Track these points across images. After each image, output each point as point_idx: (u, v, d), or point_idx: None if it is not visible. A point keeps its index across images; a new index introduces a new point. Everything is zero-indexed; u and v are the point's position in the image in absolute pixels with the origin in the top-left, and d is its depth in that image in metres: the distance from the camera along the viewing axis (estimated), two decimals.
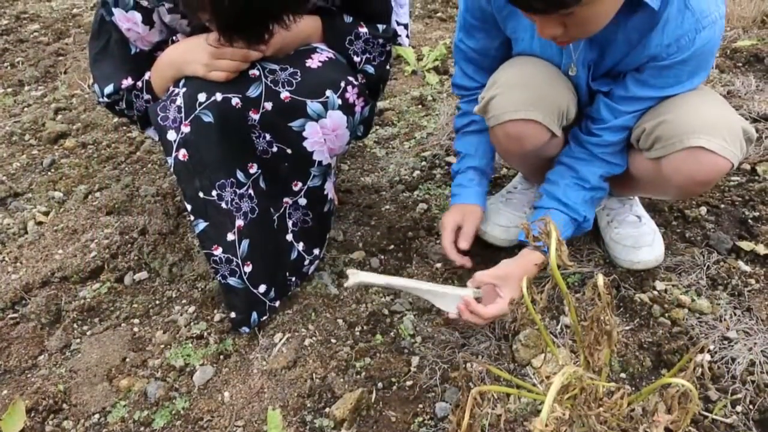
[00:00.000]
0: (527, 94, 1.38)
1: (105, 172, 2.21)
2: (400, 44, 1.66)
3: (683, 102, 1.32)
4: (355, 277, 1.40)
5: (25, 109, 2.71)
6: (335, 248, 1.76)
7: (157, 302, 1.64)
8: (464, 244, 1.55)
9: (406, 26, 1.66)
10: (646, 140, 1.36)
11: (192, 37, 1.45)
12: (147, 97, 1.49)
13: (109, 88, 1.48)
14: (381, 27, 1.57)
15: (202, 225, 1.43)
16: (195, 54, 1.38)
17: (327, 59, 1.47)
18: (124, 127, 2.47)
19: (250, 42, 1.23)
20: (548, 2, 1.04)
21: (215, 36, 1.38)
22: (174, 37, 1.51)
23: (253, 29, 1.18)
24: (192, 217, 1.43)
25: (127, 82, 1.48)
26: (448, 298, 1.39)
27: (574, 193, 1.46)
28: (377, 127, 2.34)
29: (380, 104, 2.46)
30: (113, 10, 1.40)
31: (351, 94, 1.46)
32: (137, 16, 1.40)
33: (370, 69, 1.57)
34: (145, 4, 1.38)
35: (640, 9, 1.23)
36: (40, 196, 2.10)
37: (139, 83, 1.49)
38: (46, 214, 2.02)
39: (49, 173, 2.24)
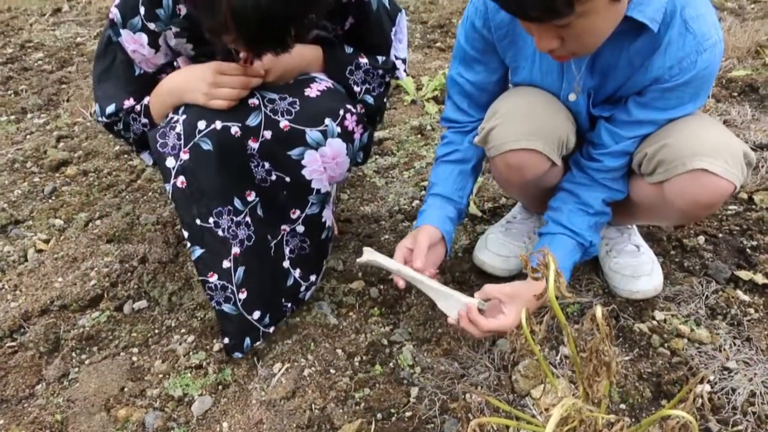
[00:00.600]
0: (527, 124, 1.39)
1: (106, 200, 2.22)
2: (397, 78, 1.68)
3: (684, 126, 1.33)
4: (369, 254, 1.42)
5: (28, 136, 2.73)
6: (335, 278, 1.76)
7: (156, 331, 1.64)
8: (417, 262, 1.42)
9: (404, 61, 1.68)
10: (648, 165, 1.36)
11: (192, 65, 1.47)
12: (144, 120, 1.50)
13: (110, 108, 1.50)
14: (381, 59, 1.60)
15: (198, 252, 1.43)
16: (195, 82, 1.40)
17: (326, 88, 1.49)
18: (126, 155, 2.49)
19: (276, 51, 1.24)
20: (543, 11, 1.05)
21: (217, 65, 1.41)
22: (176, 62, 1.53)
23: (277, 37, 1.19)
24: (189, 244, 1.44)
25: (129, 102, 1.49)
26: (452, 302, 1.39)
27: (578, 218, 1.47)
28: (377, 156, 2.36)
29: (380, 134, 2.48)
30: (121, 31, 1.42)
31: (350, 122, 1.48)
32: (144, 38, 1.42)
33: (370, 99, 1.59)
34: (152, 27, 1.41)
35: (643, 33, 1.25)
36: (41, 224, 2.11)
37: (138, 107, 1.50)
38: (47, 241, 2.02)
39: (50, 201, 2.25)
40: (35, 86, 3.21)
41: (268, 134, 1.42)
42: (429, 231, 1.49)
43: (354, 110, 1.50)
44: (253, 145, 1.42)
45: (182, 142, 1.38)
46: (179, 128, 1.39)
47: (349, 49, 1.56)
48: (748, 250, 1.76)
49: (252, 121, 1.41)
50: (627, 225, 1.72)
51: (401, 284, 1.44)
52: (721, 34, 1.28)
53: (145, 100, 1.49)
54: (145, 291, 1.77)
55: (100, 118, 1.53)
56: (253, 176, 1.46)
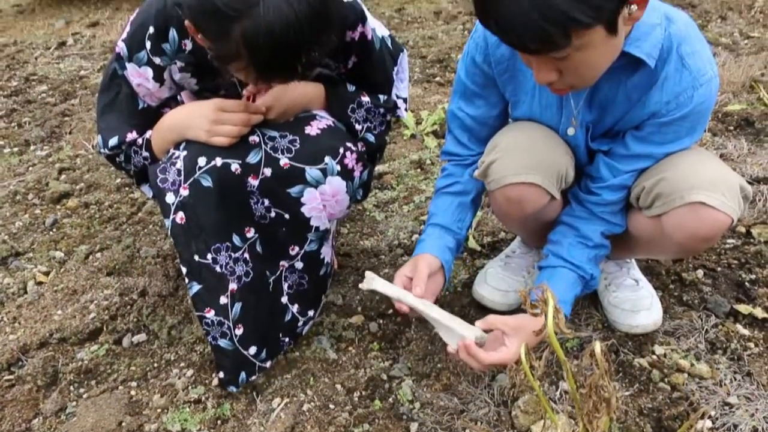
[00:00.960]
0: (527, 157, 1.40)
1: (106, 232, 2.23)
2: (398, 116, 1.70)
3: (681, 160, 1.35)
4: (372, 282, 1.41)
5: (30, 168, 2.75)
6: (334, 312, 1.76)
7: (155, 365, 1.64)
8: (417, 289, 1.41)
9: (405, 100, 1.70)
10: (646, 198, 1.38)
11: (194, 102, 1.49)
12: (146, 154, 1.51)
13: (113, 141, 1.51)
14: (382, 97, 1.62)
15: (196, 288, 1.44)
16: (197, 119, 1.42)
17: (326, 126, 1.51)
18: (127, 188, 2.50)
19: (287, 79, 1.26)
20: (541, 43, 1.06)
21: (219, 102, 1.42)
22: (180, 96, 1.55)
23: (288, 64, 1.20)
24: (187, 280, 1.44)
25: (132, 135, 1.50)
26: (453, 333, 1.37)
27: (578, 251, 1.47)
28: (376, 190, 2.37)
29: (379, 168, 2.49)
30: (127, 64, 1.44)
31: (350, 160, 1.49)
32: (149, 72, 1.44)
33: (371, 137, 1.61)
34: (157, 61, 1.43)
35: (640, 68, 1.28)
36: (41, 256, 2.12)
37: (140, 140, 1.51)
38: (47, 274, 2.03)
39: (51, 233, 2.26)
40: (38, 118, 3.24)
41: (268, 172, 1.43)
42: (428, 259, 1.49)
43: (354, 148, 1.51)
44: (253, 182, 1.43)
45: (182, 178, 1.40)
46: (180, 164, 1.40)
47: (351, 88, 1.58)
48: (746, 283, 1.77)
49: (252, 158, 1.43)
50: (626, 259, 1.72)
51: (404, 309, 1.42)
52: (716, 69, 1.30)
53: (147, 134, 1.51)
54: (144, 324, 1.77)
55: (102, 150, 1.54)
56: (252, 213, 1.47)
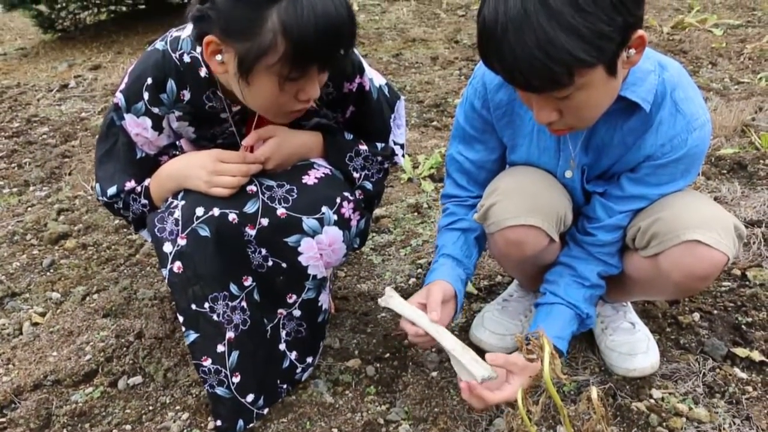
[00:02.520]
0: (526, 200, 1.42)
1: (104, 274, 2.23)
2: (396, 163, 1.71)
3: (676, 201, 1.37)
4: (389, 300, 1.41)
5: (29, 209, 2.76)
6: (331, 356, 1.76)
7: (151, 408, 1.62)
8: (433, 314, 1.40)
9: (402, 146, 1.72)
10: (642, 239, 1.39)
11: (194, 152, 1.51)
12: (144, 201, 1.53)
13: (112, 190, 1.52)
14: (380, 145, 1.64)
15: (192, 336, 1.44)
16: (196, 169, 1.43)
17: (323, 175, 1.52)
18: (125, 230, 2.51)
19: (321, 69, 1.28)
20: (546, 81, 1.09)
21: (218, 152, 1.43)
22: (179, 143, 1.57)
23: (327, 50, 1.23)
24: (184, 329, 1.45)
25: (131, 185, 1.52)
26: (462, 368, 1.34)
27: (574, 291, 1.48)
28: (374, 234, 2.38)
29: (377, 211, 2.50)
30: (125, 115, 1.46)
31: (347, 209, 1.50)
32: (147, 122, 1.45)
33: (369, 185, 1.63)
34: (155, 111, 1.44)
35: (636, 113, 1.31)
36: (38, 297, 2.11)
37: (138, 188, 1.52)
38: (43, 314, 2.02)
39: (48, 273, 2.26)
40: (39, 159, 3.26)
41: (265, 221, 1.44)
42: (443, 285, 1.48)
43: (351, 197, 1.52)
44: (251, 231, 1.44)
45: (180, 227, 1.41)
46: (177, 214, 1.41)
47: (348, 136, 1.60)
48: (743, 326, 1.77)
49: (249, 208, 1.44)
50: (622, 302, 1.73)
51: (412, 330, 1.41)
52: (708, 114, 1.34)
53: (146, 182, 1.52)
54: (140, 366, 1.76)
55: (100, 198, 1.56)
56: (250, 262, 1.48)
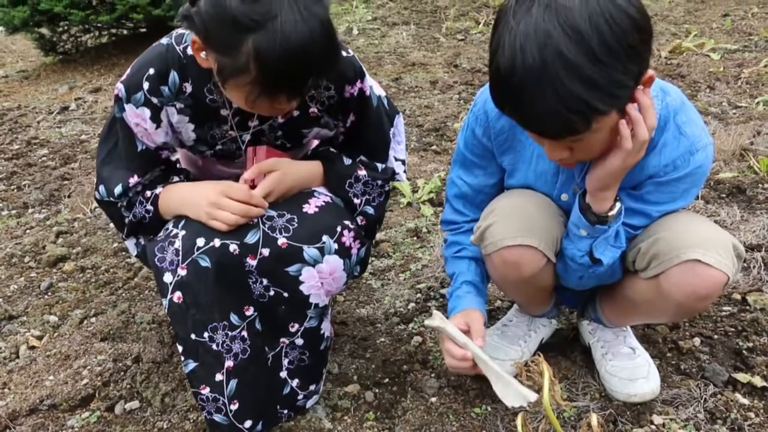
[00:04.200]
0: (523, 221, 1.43)
1: (102, 297, 2.22)
2: (398, 180, 1.72)
3: (675, 221, 1.38)
4: (440, 320, 1.42)
5: (28, 231, 2.76)
6: (330, 381, 1.74)
7: None
8: (480, 341, 1.44)
9: (403, 162, 1.72)
10: (642, 260, 1.40)
11: (205, 182, 1.51)
12: (150, 208, 1.52)
13: (118, 189, 1.51)
14: (380, 166, 1.64)
15: (191, 365, 1.44)
16: (200, 199, 1.43)
17: (324, 204, 1.52)
18: (123, 253, 2.50)
19: (290, 97, 1.29)
20: (563, 130, 1.12)
21: (225, 187, 1.43)
22: (177, 153, 1.56)
23: (296, 82, 1.24)
24: (183, 357, 1.45)
25: (134, 180, 1.51)
26: (511, 390, 1.34)
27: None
28: (373, 258, 2.37)
29: (376, 236, 2.49)
30: (125, 105, 1.45)
31: (347, 238, 1.50)
32: (146, 113, 1.45)
33: (370, 210, 1.63)
34: (155, 101, 1.44)
35: None
36: (35, 320, 2.10)
37: (148, 193, 1.52)
38: (40, 338, 2.01)
39: (46, 296, 2.25)
40: (38, 182, 3.27)
41: (266, 252, 1.43)
42: (480, 318, 1.51)
43: (352, 226, 1.52)
44: (251, 262, 1.43)
45: (180, 258, 1.41)
46: (178, 244, 1.41)
47: (347, 161, 1.60)
48: (744, 351, 1.76)
49: (250, 238, 1.43)
50: (623, 326, 1.72)
51: (459, 353, 1.42)
52: (710, 138, 1.36)
53: (158, 190, 1.52)
54: (137, 391, 1.74)
55: (105, 198, 1.54)
56: (251, 292, 1.47)
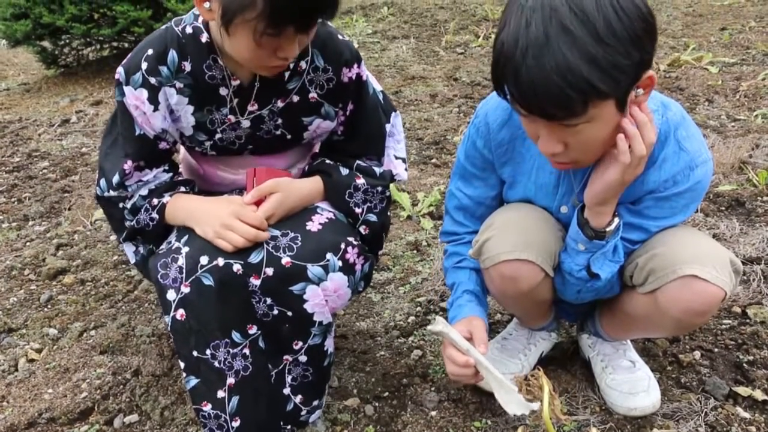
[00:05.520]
0: (521, 235, 1.43)
1: (102, 310, 2.22)
2: (399, 181, 1.71)
3: (672, 236, 1.38)
4: (443, 325, 1.40)
5: (28, 243, 2.76)
6: (330, 394, 1.73)
7: None
8: (483, 347, 1.44)
9: (404, 160, 1.72)
10: (640, 275, 1.40)
11: (217, 199, 1.51)
12: (155, 216, 1.52)
13: (116, 177, 1.51)
14: (377, 171, 1.64)
15: (193, 382, 1.44)
16: (211, 218, 1.44)
17: (327, 220, 1.52)
18: (123, 266, 2.50)
19: (297, 30, 1.28)
20: (560, 108, 1.11)
21: (238, 210, 1.43)
22: (179, 147, 1.56)
23: (306, 9, 1.24)
24: (184, 374, 1.44)
25: (128, 165, 1.50)
26: (513, 397, 1.33)
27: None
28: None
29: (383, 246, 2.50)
30: (124, 89, 1.46)
31: (351, 254, 1.49)
32: (144, 94, 1.45)
33: (373, 217, 1.62)
34: (152, 81, 1.45)
35: None
36: (35, 333, 2.10)
37: (155, 200, 1.52)
38: (39, 351, 2.00)
39: (46, 309, 2.25)
40: (38, 194, 3.27)
41: (269, 271, 1.43)
42: (482, 326, 1.50)
43: (355, 242, 1.52)
44: (255, 281, 1.43)
45: (184, 275, 1.40)
46: (181, 261, 1.41)
47: (345, 171, 1.60)
48: (745, 365, 1.75)
49: (254, 258, 1.43)
50: (622, 340, 1.72)
51: (461, 360, 1.41)
52: (710, 153, 1.37)
53: (165, 198, 1.52)
54: (137, 404, 1.74)
55: (106, 192, 1.54)
56: (254, 311, 1.46)
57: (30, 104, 5.10)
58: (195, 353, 1.42)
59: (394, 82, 4.77)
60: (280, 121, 1.55)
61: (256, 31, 1.25)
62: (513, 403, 1.34)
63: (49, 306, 2.27)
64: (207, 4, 1.29)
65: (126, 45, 5.79)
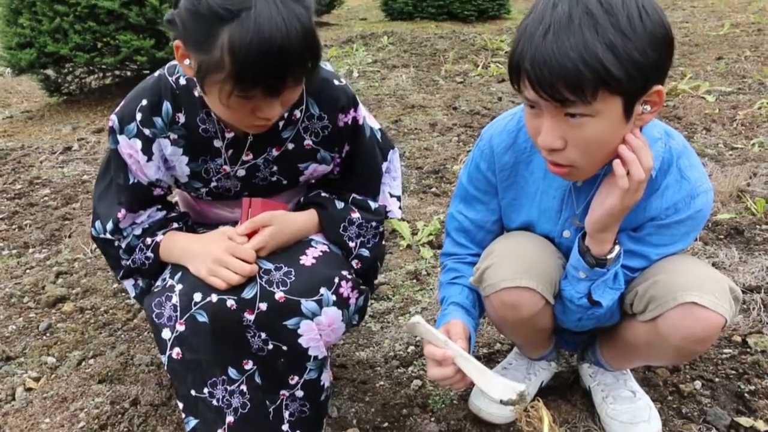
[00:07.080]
0: (522, 263, 1.43)
1: (101, 338, 2.21)
2: (392, 218, 1.71)
3: (672, 264, 1.39)
4: (418, 326, 1.37)
5: (27, 271, 2.75)
6: (329, 425, 1.72)
7: None
8: (461, 342, 1.38)
9: (398, 198, 1.72)
10: (640, 302, 1.40)
11: (209, 235, 1.50)
12: (150, 255, 1.52)
13: (109, 225, 1.51)
14: (372, 206, 1.64)
15: (192, 423, 1.43)
16: (203, 255, 1.43)
17: (321, 254, 1.51)
18: (123, 294, 2.50)
19: (266, 94, 1.25)
20: (569, 86, 1.11)
21: (231, 246, 1.41)
22: (172, 190, 1.56)
23: (271, 77, 1.22)
24: (183, 415, 1.44)
25: (121, 214, 1.50)
26: (496, 382, 1.31)
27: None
28: (372, 300, 2.36)
29: (377, 278, 2.49)
30: (118, 137, 1.46)
31: (345, 288, 1.49)
32: (138, 144, 1.45)
33: (365, 252, 1.62)
34: (147, 132, 1.45)
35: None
36: (33, 361, 2.09)
37: (149, 240, 1.51)
38: (37, 380, 1.99)
39: (45, 337, 2.24)
40: (39, 221, 3.28)
41: (263, 306, 1.41)
42: (461, 325, 1.47)
43: (349, 276, 1.51)
44: (249, 316, 1.42)
45: (178, 313, 1.40)
46: (175, 299, 1.41)
47: (340, 204, 1.60)
48: (746, 395, 1.75)
49: (247, 293, 1.41)
50: (623, 370, 1.71)
51: (439, 355, 1.36)
52: (710, 183, 1.38)
53: (158, 237, 1.52)
54: None
55: (101, 234, 1.54)
56: (250, 346, 1.45)
57: (32, 132, 5.13)
58: (193, 392, 1.41)
59: (393, 111, 4.80)
60: (275, 168, 1.55)
61: (224, 93, 1.25)
62: (498, 387, 1.30)
63: (48, 334, 2.26)
64: (187, 61, 1.30)
65: (128, 73, 5.85)
